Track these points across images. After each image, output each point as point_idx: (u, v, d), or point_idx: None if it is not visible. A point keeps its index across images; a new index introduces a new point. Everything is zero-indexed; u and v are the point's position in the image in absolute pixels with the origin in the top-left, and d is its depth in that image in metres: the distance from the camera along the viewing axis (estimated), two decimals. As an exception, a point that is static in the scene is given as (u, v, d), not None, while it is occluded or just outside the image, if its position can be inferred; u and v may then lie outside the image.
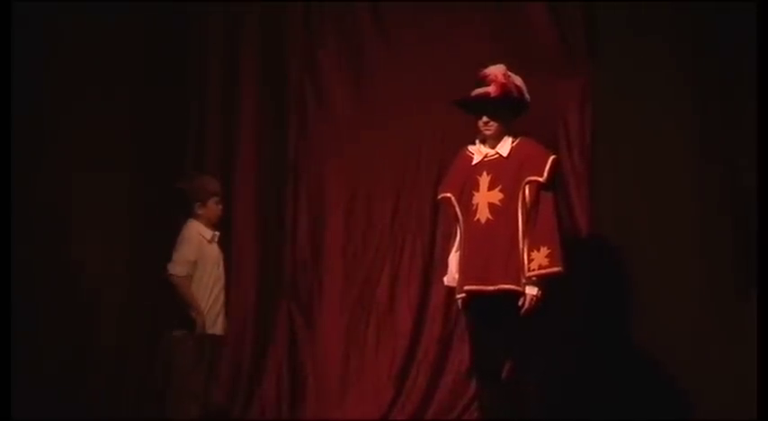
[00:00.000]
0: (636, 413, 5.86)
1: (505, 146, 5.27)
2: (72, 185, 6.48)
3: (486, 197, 5.22)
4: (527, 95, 5.30)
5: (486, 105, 5.23)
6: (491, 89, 5.21)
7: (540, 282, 5.11)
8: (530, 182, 5.15)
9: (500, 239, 5.16)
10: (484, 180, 5.25)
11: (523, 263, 5.10)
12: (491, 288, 5.15)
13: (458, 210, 5.31)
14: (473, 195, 5.26)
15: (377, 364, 6.43)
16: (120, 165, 6.66)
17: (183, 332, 5.38)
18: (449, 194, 5.36)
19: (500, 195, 5.19)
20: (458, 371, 6.22)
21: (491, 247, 5.17)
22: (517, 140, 5.28)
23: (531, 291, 5.10)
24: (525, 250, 5.10)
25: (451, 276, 5.39)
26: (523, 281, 5.10)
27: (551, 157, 5.22)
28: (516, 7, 6.35)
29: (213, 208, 5.50)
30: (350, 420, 6.31)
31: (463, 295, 5.24)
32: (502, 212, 5.17)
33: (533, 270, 5.09)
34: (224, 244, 6.63)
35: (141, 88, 6.78)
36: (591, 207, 6.17)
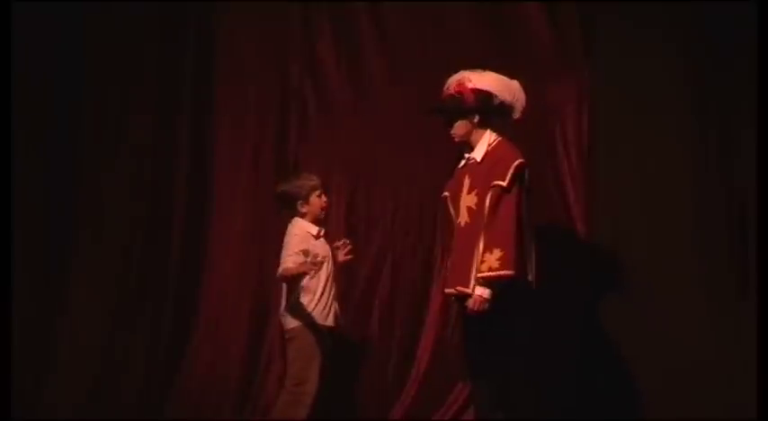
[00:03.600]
0: (634, 413, 5.87)
1: (481, 150, 5.33)
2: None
3: (465, 200, 5.30)
4: (502, 97, 5.31)
5: (440, 113, 5.37)
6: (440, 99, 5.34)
7: (491, 283, 5.09)
8: (493, 186, 5.18)
9: (472, 242, 5.19)
10: (465, 183, 5.33)
11: (473, 264, 5.12)
12: (447, 291, 5.29)
13: (452, 209, 5.38)
14: (460, 197, 5.33)
15: (376, 363, 6.44)
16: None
17: (298, 324, 5.45)
18: (446, 194, 5.47)
19: (475, 199, 5.24)
20: (455, 372, 6.22)
21: (466, 251, 5.22)
22: (494, 144, 5.33)
23: (481, 292, 5.10)
24: (479, 250, 5.12)
25: None
26: (472, 282, 5.11)
27: (516, 162, 5.21)
28: (512, 8, 6.36)
29: (317, 202, 5.56)
30: (349, 420, 6.33)
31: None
32: (475, 216, 5.22)
33: (483, 271, 5.10)
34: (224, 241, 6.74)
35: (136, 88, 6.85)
36: (588, 208, 6.18)
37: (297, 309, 5.45)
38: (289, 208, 5.55)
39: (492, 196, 5.15)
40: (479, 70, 5.36)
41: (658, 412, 5.87)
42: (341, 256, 5.66)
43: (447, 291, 5.35)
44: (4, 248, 5.91)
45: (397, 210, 6.49)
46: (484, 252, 5.10)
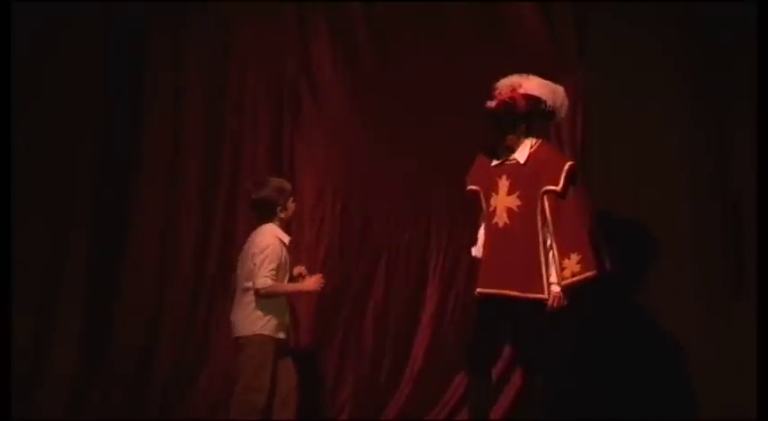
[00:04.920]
0: (632, 413, 5.88)
1: (523, 152, 5.32)
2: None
3: (504, 201, 5.29)
4: (551, 103, 5.31)
5: (491, 118, 5.29)
6: (492, 104, 5.27)
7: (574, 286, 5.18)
8: (547, 192, 5.20)
9: (518, 246, 5.23)
10: (503, 184, 5.31)
11: (545, 274, 5.17)
12: (505, 292, 5.25)
13: (483, 203, 5.38)
14: (491, 196, 5.33)
15: (372, 364, 6.44)
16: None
17: (251, 333, 5.42)
18: (476, 187, 5.43)
19: (518, 201, 5.26)
20: (451, 372, 6.23)
21: (508, 253, 5.25)
22: (536, 146, 5.33)
23: (556, 289, 5.19)
24: (556, 258, 5.17)
25: (479, 248, 5.45)
26: (546, 288, 5.18)
27: (567, 165, 5.26)
28: (507, 7, 6.36)
29: (291, 207, 5.54)
30: (347, 420, 6.33)
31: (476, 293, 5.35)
32: (519, 219, 5.24)
33: (566, 278, 5.17)
34: (221, 243, 6.73)
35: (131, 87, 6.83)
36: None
37: (252, 319, 5.40)
38: (266, 213, 5.49)
39: (549, 202, 5.18)
40: (526, 75, 5.35)
41: (654, 411, 5.89)
42: (312, 285, 5.54)
43: (481, 291, 5.31)
44: (4, 248, 5.91)
45: (392, 209, 6.48)
46: (561, 259, 5.17)
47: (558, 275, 5.17)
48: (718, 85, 5.98)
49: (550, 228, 5.19)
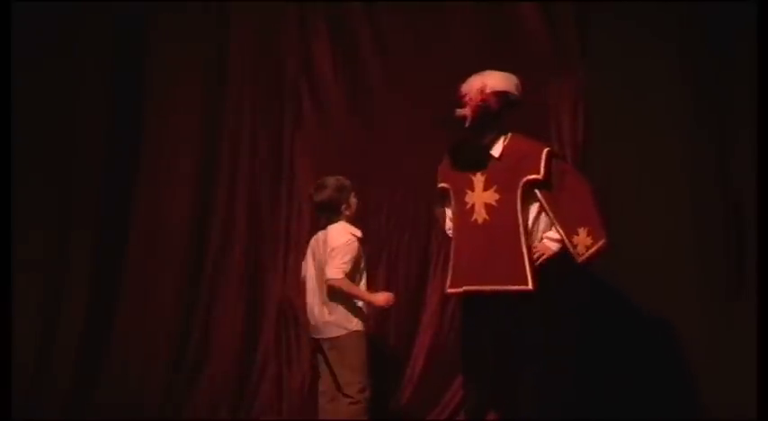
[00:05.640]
0: (632, 413, 5.86)
1: (497, 146, 5.29)
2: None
3: (481, 197, 5.26)
4: (515, 92, 5.29)
5: (467, 128, 5.26)
6: (466, 112, 5.24)
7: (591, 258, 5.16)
8: (529, 181, 5.18)
9: (499, 240, 5.19)
10: (478, 180, 5.29)
11: (528, 265, 5.14)
12: (491, 288, 5.20)
13: (452, 200, 5.37)
14: (466, 194, 5.30)
15: (372, 363, 6.41)
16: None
17: (352, 330, 5.43)
18: (446, 185, 5.42)
19: (496, 196, 5.22)
20: (452, 372, 6.20)
21: (490, 248, 5.20)
22: (508, 139, 5.30)
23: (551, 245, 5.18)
24: (565, 239, 5.14)
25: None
26: (530, 278, 5.14)
27: (545, 151, 5.23)
28: (509, 7, 6.35)
29: (354, 203, 5.57)
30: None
31: (460, 291, 5.30)
32: (498, 213, 5.21)
33: (582, 254, 5.15)
34: (220, 243, 6.73)
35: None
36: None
37: (348, 317, 5.41)
38: (332, 214, 5.52)
39: (539, 191, 5.16)
40: (485, 72, 5.32)
41: (651, 412, 5.86)
42: (382, 301, 5.52)
43: (466, 288, 5.28)
44: (3, 248, 5.92)
45: (392, 209, 6.48)
46: (570, 237, 5.14)
47: (573, 254, 5.14)
48: (720, 85, 5.94)
49: (549, 214, 5.17)
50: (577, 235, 5.14)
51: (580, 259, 5.15)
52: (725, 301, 5.88)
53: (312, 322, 5.52)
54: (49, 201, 6.78)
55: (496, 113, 5.24)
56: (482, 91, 5.23)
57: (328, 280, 5.37)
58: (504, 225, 5.19)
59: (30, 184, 6.64)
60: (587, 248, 5.14)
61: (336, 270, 5.36)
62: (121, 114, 6.82)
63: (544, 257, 5.20)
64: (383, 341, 6.38)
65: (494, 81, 5.26)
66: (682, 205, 6.00)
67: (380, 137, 6.54)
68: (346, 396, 5.38)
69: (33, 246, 6.68)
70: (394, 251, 6.48)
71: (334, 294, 5.41)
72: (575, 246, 5.14)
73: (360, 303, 5.44)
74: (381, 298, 5.48)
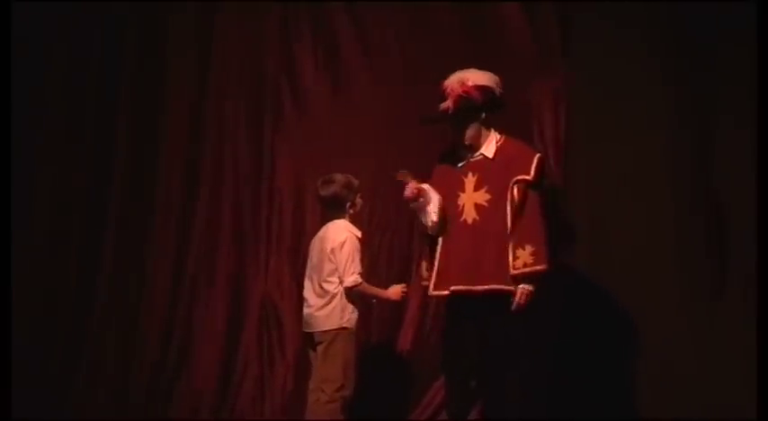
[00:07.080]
0: (609, 413, 5.87)
1: (490, 147, 5.31)
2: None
3: (472, 198, 5.28)
4: (498, 91, 5.30)
5: (449, 119, 5.27)
6: (448, 104, 5.25)
7: (532, 279, 5.14)
8: (518, 181, 5.19)
9: (488, 240, 5.20)
10: (470, 180, 5.30)
11: (508, 261, 5.13)
12: (481, 288, 5.19)
13: (438, 203, 5.32)
14: (459, 196, 5.31)
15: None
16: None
17: (339, 327, 5.42)
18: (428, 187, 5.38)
19: (487, 196, 5.24)
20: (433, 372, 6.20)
21: (479, 248, 5.21)
22: (501, 140, 5.32)
23: (526, 286, 5.14)
24: (510, 245, 5.14)
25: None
26: (508, 279, 5.13)
27: (536, 156, 5.27)
28: (491, 7, 6.36)
29: (359, 202, 5.57)
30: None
31: (446, 293, 5.28)
32: (488, 213, 5.22)
33: (518, 268, 5.13)
34: (202, 242, 6.72)
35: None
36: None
37: (337, 312, 5.41)
38: (335, 210, 5.52)
39: (518, 191, 5.17)
40: (464, 70, 5.32)
41: (636, 412, 5.87)
42: (395, 295, 5.58)
43: (454, 288, 5.26)
44: (3, 248, 5.91)
45: (374, 209, 6.46)
46: (516, 248, 5.14)
47: (510, 263, 5.13)
48: (703, 86, 5.94)
49: (510, 216, 5.16)
50: (523, 249, 5.13)
51: (513, 272, 5.14)
52: (708, 301, 5.87)
53: (306, 312, 5.52)
54: (43, 202, 6.81)
55: (478, 107, 5.25)
56: (463, 83, 5.25)
57: (347, 287, 5.38)
58: (494, 224, 5.19)
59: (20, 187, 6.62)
60: (524, 265, 5.13)
61: (354, 276, 5.38)
62: (112, 114, 6.86)
63: (526, 298, 5.18)
64: (365, 340, 6.35)
65: (475, 76, 5.28)
66: (664, 205, 5.99)
67: (362, 137, 6.54)
68: (324, 392, 5.37)
69: (33, 246, 6.73)
70: (376, 251, 6.46)
71: (322, 290, 5.42)
72: (515, 259, 5.13)
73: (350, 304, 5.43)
74: (394, 292, 5.55)
